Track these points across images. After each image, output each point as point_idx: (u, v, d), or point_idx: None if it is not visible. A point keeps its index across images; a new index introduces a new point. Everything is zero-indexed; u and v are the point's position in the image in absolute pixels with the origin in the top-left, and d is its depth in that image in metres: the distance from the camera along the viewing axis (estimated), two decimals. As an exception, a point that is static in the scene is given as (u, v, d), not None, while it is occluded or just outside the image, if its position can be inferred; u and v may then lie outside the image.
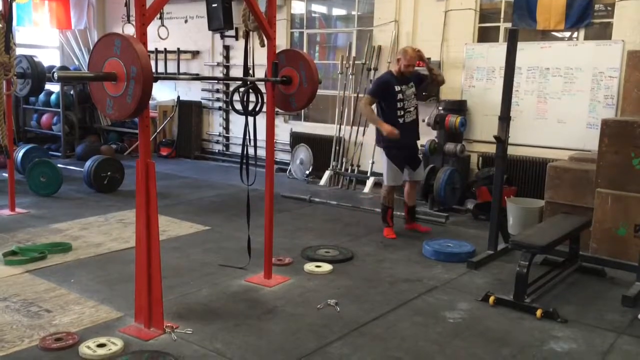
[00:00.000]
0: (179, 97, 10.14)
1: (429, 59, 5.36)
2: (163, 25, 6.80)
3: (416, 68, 5.35)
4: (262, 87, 4.04)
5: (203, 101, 10.08)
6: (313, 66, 3.96)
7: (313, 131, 8.59)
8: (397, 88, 5.18)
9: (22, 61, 6.06)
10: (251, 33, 4.03)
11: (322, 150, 8.29)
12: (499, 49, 6.17)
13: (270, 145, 4.16)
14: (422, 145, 6.54)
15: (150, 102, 3.18)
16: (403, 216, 5.79)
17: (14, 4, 5.39)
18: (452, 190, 6.38)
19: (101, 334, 3.24)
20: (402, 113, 5.20)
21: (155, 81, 3.00)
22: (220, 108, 9.89)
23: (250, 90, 3.97)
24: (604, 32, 6.25)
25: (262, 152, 4.14)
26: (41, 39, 10.65)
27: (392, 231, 5.50)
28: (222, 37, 9.36)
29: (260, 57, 4.17)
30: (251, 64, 4.04)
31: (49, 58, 10.52)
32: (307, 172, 8.32)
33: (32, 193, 6.69)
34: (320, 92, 4.20)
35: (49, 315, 3.50)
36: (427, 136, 6.67)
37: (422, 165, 5.61)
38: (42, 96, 9.63)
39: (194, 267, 4.50)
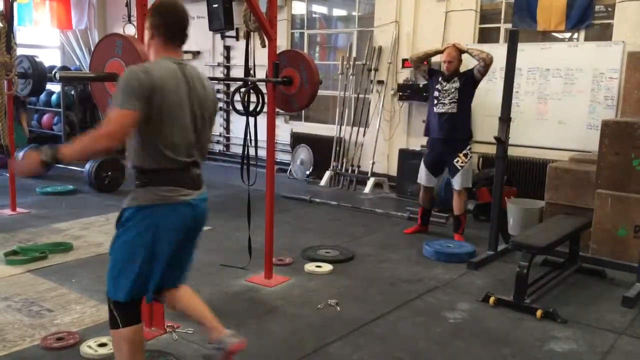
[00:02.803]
0: (179, 97, 10.12)
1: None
2: (164, 26, 6.76)
3: None
4: (263, 87, 4.05)
5: (203, 101, 10.05)
6: (314, 67, 3.97)
7: (313, 131, 8.59)
8: (440, 79, 5.32)
9: (23, 61, 6.06)
10: (252, 33, 4.04)
11: (323, 150, 8.29)
12: (499, 50, 6.15)
13: (270, 146, 4.16)
14: (422, 146, 6.56)
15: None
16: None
17: (14, 4, 5.40)
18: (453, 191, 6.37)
19: (102, 333, 3.24)
20: (436, 102, 5.32)
21: (157, 81, 3.00)
22: (220, 108, 9.88)
23: (251, 91, 3.98)
24: (604, 33, 6.25)
25: (262, 153, 4.15)
26: (42, 38, 10.64)
27: (413, 229, 5.68)
28: (223, 37, 9.35)
29: (261, 58, 4.18)
30: (252, 65, 4.05)
31: (50, 58, 10.50)
32: (308, 172, 8.33)
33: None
34: (320, 92, 4.21)
35: (50, 314, 3.51)
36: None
37: (460, 173, 5.25)
38: (42, 96, 9.61)
39: (195, 266, 4.42)
